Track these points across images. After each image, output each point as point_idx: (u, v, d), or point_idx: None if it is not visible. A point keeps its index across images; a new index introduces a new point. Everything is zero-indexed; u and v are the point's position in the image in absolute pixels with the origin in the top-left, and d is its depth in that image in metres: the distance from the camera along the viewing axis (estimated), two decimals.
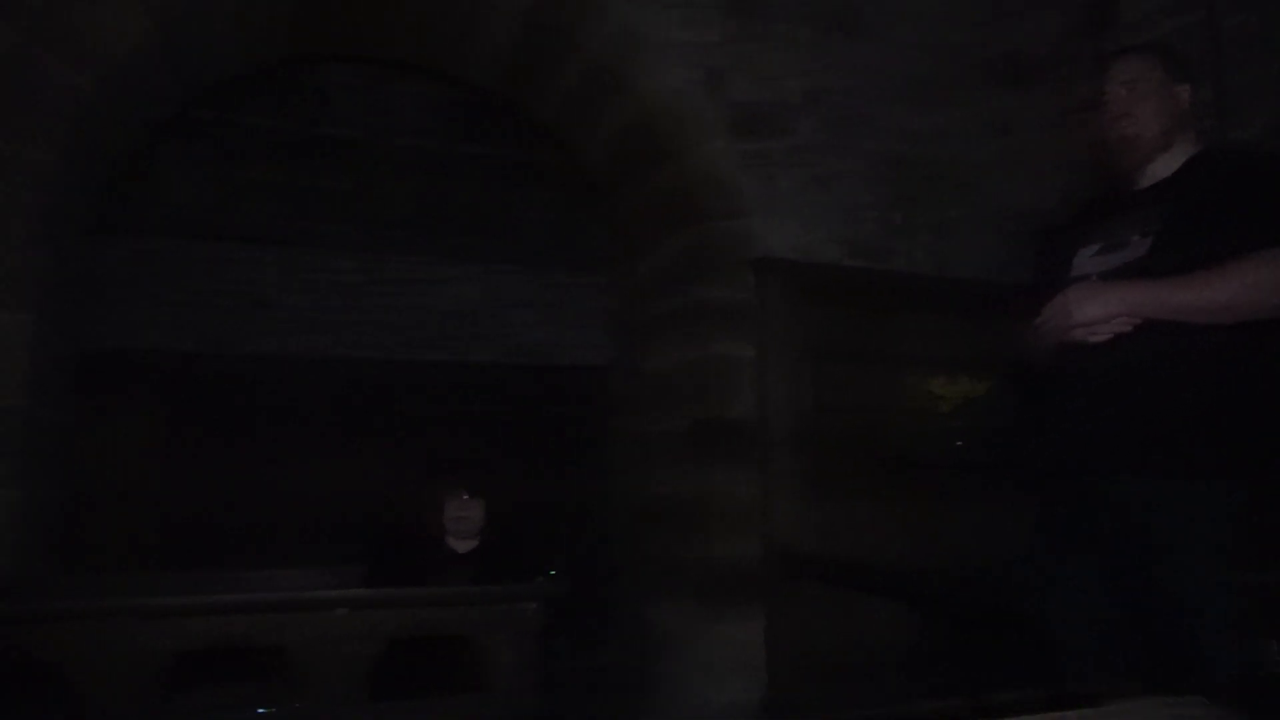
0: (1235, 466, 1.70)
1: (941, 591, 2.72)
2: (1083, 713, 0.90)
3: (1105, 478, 1.81)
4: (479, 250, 5.72)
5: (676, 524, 3.77)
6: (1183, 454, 1.72)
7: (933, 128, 3.98)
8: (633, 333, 4.31)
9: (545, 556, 2.80)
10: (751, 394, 3.51)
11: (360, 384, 5.27)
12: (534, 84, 4.02)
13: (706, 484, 3.51)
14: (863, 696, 3.07)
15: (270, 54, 3.81)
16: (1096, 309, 1.81)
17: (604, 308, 5.77)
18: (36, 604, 2.09)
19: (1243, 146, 3.04)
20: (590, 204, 5.18)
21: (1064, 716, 0.88)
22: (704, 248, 3.67)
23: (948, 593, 2.65)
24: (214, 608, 2.11)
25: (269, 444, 5.09)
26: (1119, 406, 1.80)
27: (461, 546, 2.77)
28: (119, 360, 4.80)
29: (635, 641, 4.33)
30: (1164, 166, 1.95)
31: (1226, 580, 1.66)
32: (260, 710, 2.48)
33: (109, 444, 4.75)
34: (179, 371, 4.97)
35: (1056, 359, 1.93)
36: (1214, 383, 1.74)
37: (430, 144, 5.32)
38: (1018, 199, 4.09)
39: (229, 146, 4.97)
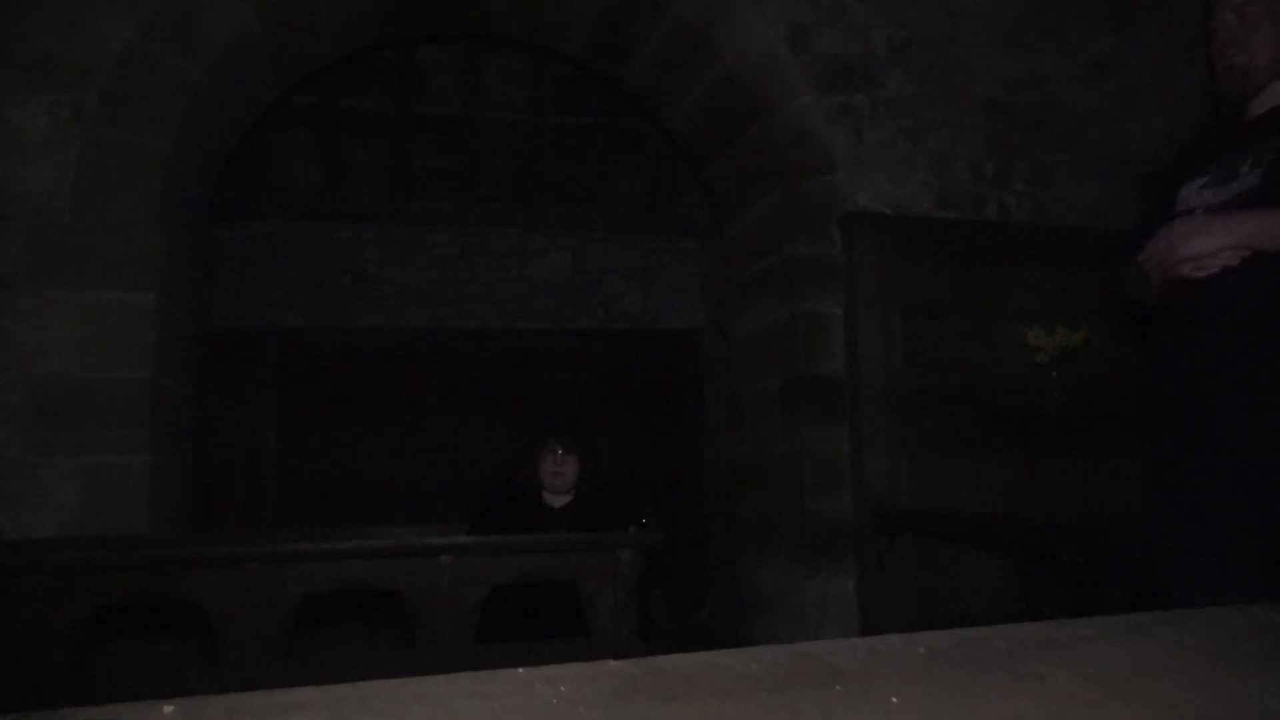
0: None
1: (1038, 542, 2.68)
2: (1155, 615, 0.91)
3: (1224, 415, 1.76)
4: (574, 220, 5.84)
5: (770, 482, 3.80)
6: None
7: (1030, 72, 3.85)
8: (726, 295, 4.34)
9: (638, 509, 2.87)
10: (842, 351, 3.50)
11: (461, 354, 5.47)
12: (621, 51, 4.05)
13: (799, 441, 3.52)
14: None
15: (366, 38, 3.95)
16: (1204, 242, 1.74)
17: (698, 272, 5.81)
18: (176, 550, 2.29)
19: None
20: (682, 169, 5.21)
21: (1137, 620, 0.90)
22: (792, 206, 3.65)
23: (1045, 543, 2.61)
24: (333, 553, 2.27)
25: (377, 413, 5.34)
26: (1233, 342, 1.74)
27: (557, 501, 2.87)
28: (239, 337, 5.11)
29: (731, 599, 4.40)
30: (1277, 95, 1.87)
31: None
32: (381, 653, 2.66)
33: (233, 416, 5.07)
34: (292, 346, 5.26)
35: (1164, 298, 1.88)
36: None
37: (523, 118, 5.45)
38: (1122, 143, 3.93)
39: (331, 130, 5.20)
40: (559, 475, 2.84)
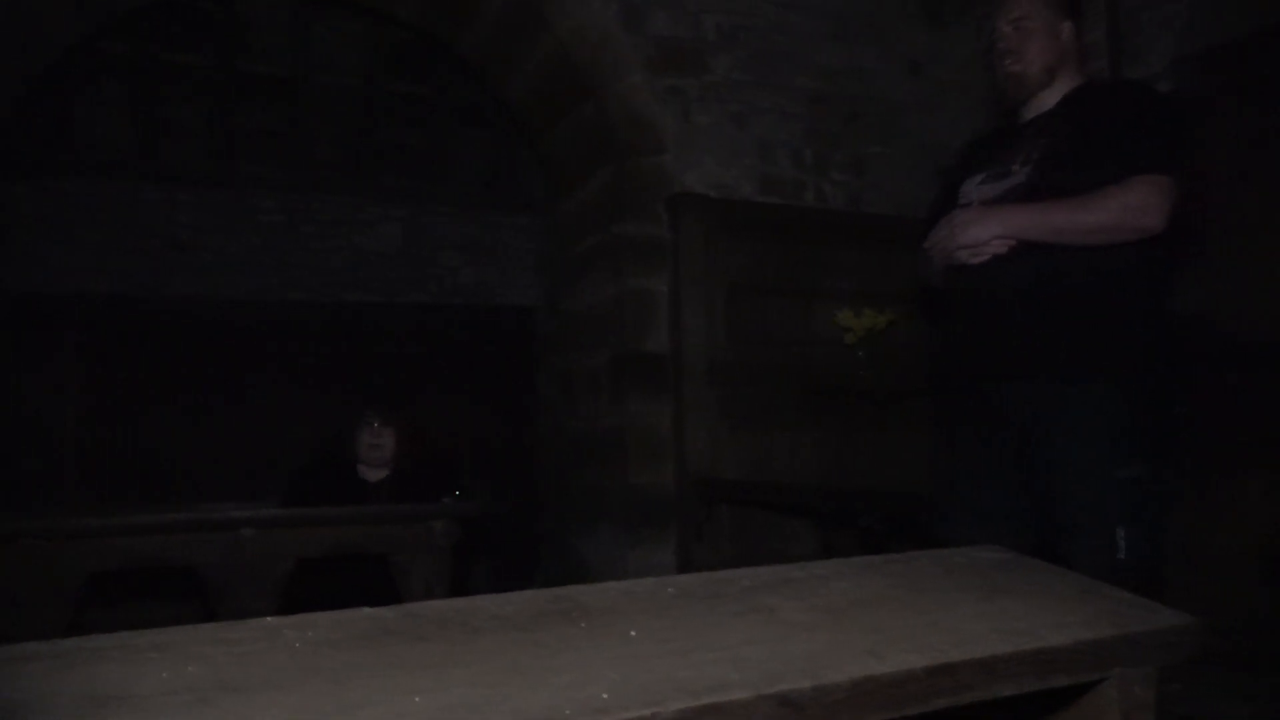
0: (1107, 371, 1.83)
1: (841, 507, 2.86)
2: (889, 556, 1.00)
3: (993, 386, 1.94)
4: (409, 191, 5.69)
5: (599, 456, 3.87)
6: (1060, 361, 1.85)
7: (851, 66, 4.05)
8: (559, 271, 4.36)
9: (458, 481, 2.87)
10: (666, 328, 3.60)
11: (287, 326, 5.24)
12: (456, 19, 3.98)
13: (625, 416, 3.60)
14: None
15: None
16: (979, 231, 1.93)
17: (535, 248, 5.80)
18: None
19: (1120, 79, 3.16)
20: (519, 143, 5.17)
21: (870, 559, 0.98)
22: (623, 184, 3.71)
23: (847, 508, 2.79)
24: (124, 529, 2.15)
25: (195, 386, 5.06)
26: (1002, 321, 1.93)
27: (374, 475, 2.83)
28: (35, 303, 4.71)
29: (561, 572, 4.46)
30: (1049, 99, 2.06)
31: (1102, 474, 1.80)
32: None
33: (25, 387, 4.68)
34: (99, 315, 4.90)
35: (947, 281, 2.06)
36: (1087, 297, 1.87)
37: (356, 82, 5.26)
38: (932, 137, 4.19)
39: (146, 84, 4.85)
40: (375, 448, 2.79)
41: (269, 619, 0.79)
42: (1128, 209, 1.80)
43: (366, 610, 0.82)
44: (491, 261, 5.82)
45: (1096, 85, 2.16)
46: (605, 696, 0.63)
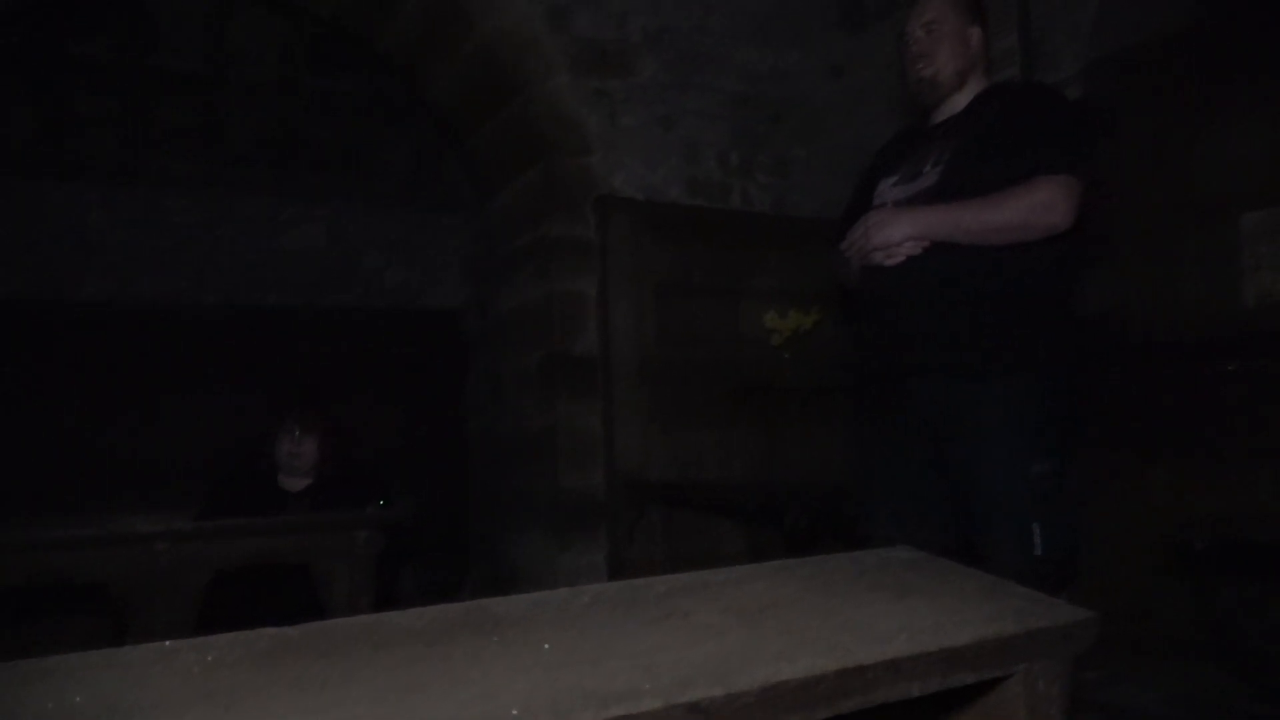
0: (1017, 368, 1.88)
1: (767, 506, 2.89)
2: (805, 559, 1.01)
3: (905, 384, 1.98)
4: (331, 190, 5.57)
5: (528, 459, 3.84)
6: (971, 357, 1.90)
7: (774, 69, 4.10)
8: (487, 272, 4.31)
9: (383, 489, 2.81)
10: (595, 329, 3.59)
11: (203, 329, 5.08)
12: (376, 16, 3.91)
13: (555, 418, 3.58)
14: None
15: None
16: (891, 233, 1.97)
17: (462, 248, 5.73)
18: None
19: (1027, 81, 3.26)
20: (445, 142, 5.10)
21: (786, 562, 0.99)
22: (550, 185, 3.69)
23: (773, 507, 2.82)
24: (29, 544, 2.06)
25: (105, 393, 4.88)
26: (913, 320, 1.97)
27: (296, 484, 2.76)
28: None
29: (492, 578, 4.41)
30: (959, 101, 2.11)
31: (1016, 470, 1.85)
32: None
33: None
34: (0, 318, 4.68)
35: (863, 281, 2.10)
36: (996, 295, 1.91)
37: (275, 78, 5.12)
38: (854, 139, 4.27)
39: (51, 76, 4.65)
40: (296, 457, 2.72)
41: (167, 642, 0.76)
42: (1034, 208, 1.85)
43: (270, 629, 0.79)
44: (418, 262, 5.73)
45: (1004, 87, 2.23)
46: (514, 712, 0.62)
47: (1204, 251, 3.05)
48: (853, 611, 0.86)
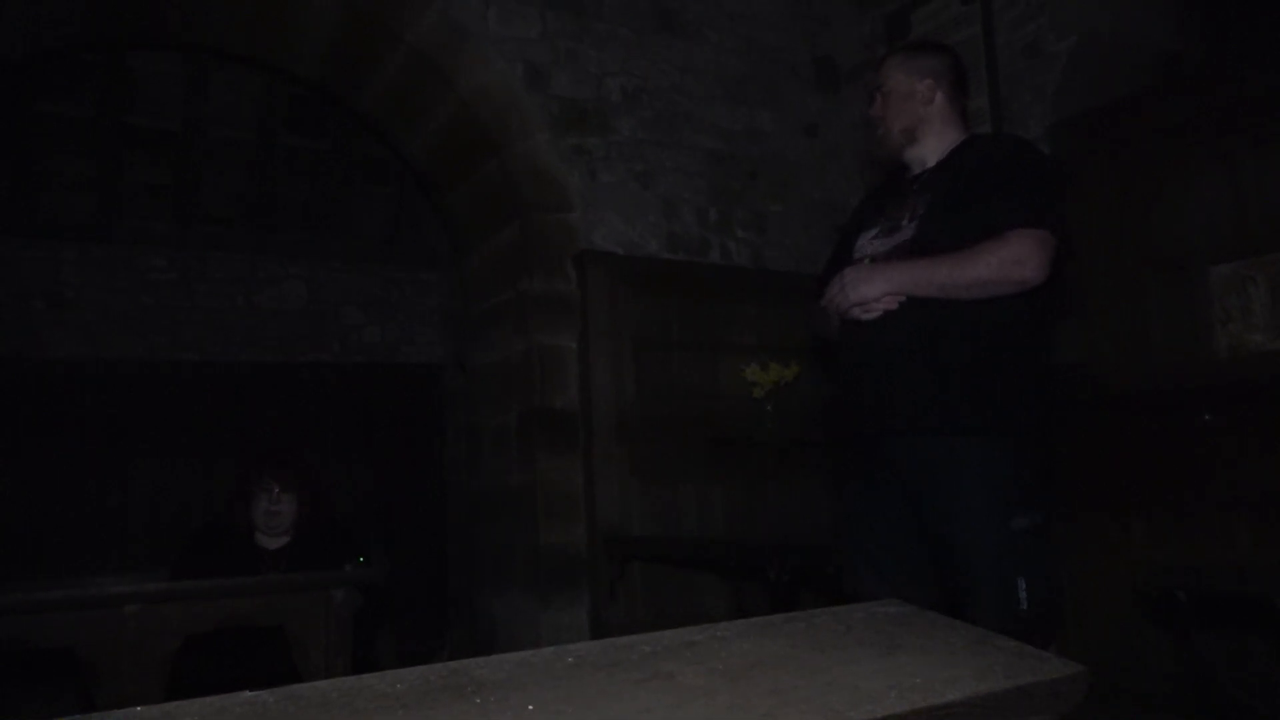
0: (994, 424, 1.88)
1: (749, 561, 2.87)
2: (791, 614, 1.00)
3: (883, 440, 1.98)
4: (309, 247, 5.58)
5: (508, 515, 3.80)
6: (947, 415, 1.89)
7: (749, 127, 4.18)
8: (466, 328, 4.31)
9: (361, 547, 2.76)
10: (576, 384, 3.58)
11: (179, 388, 5.04)
12: (356, 75, 3.95)
13: (534, 473, 3.55)
14: None
15: (68, 35, 3.59)
16: (868, 289, 1.99)
17: (439, 304, 5.74)
18: None
19: (1000, 134, 3.33)
20: (422, 199, 5.13)
21: (771, 619, 0.98)
22: (529, 241, 3.71)
23: (755, 562, 2.80)
24: None
25: (79, 451, 4.81)
26: (890, 376, 1.97)
27: (273, 543, 2.70)
28: None
29: (472, 636, 4.33)
30: (933, 154, 2.13)
31: (997, 526, 1.84)
32: None
33: None
34: None
35: (842, 335, 2.11)
36: (972, 351, 1.92)
37: (252, 136, 5.15)
38: (827, 195, 4.35)
39: (24, 135, 4.66)
40: (274, 515, 2.67)
41: (138, 708, 0.74)
42: (1005, 262, 1.86)
43: (244, 694, 0.77)
44: (395, 318, 5.73)
45: (977, 141, 2.22)
46: None
47: (1171, 304, 3.11)
48: (841, 670, 0.85)
